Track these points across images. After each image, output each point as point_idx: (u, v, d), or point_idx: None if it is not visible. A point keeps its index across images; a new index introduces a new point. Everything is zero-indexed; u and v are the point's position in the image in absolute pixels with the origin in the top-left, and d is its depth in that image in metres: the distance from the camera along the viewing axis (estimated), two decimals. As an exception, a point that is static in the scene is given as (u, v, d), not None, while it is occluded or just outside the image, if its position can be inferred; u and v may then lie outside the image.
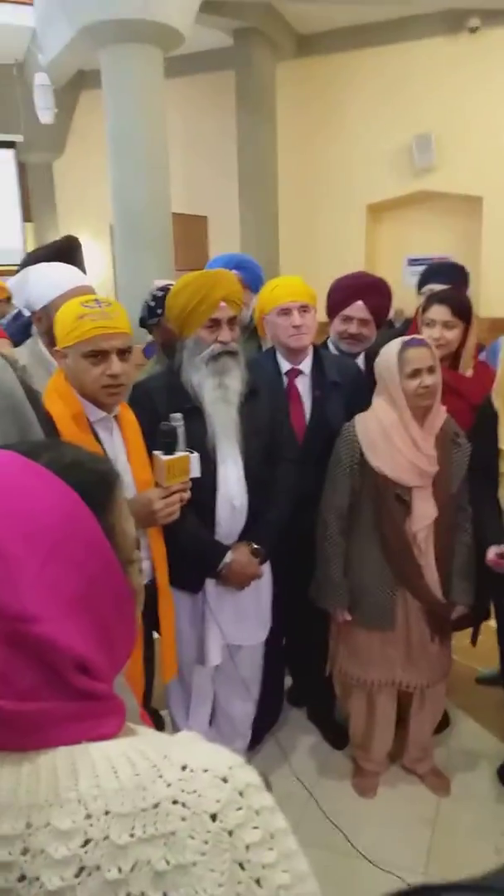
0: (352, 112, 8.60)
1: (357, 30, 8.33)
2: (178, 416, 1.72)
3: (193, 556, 2.04)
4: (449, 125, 8.09)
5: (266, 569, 2.22)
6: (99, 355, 1.65)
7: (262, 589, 2.23)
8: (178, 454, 1.66)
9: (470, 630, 2.52)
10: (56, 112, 7.50)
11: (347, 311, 2.52)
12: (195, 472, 1.72)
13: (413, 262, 8.68)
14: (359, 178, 8.69)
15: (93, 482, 0.66)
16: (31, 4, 7.29)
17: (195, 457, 1.71)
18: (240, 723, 2.39)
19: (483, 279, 7.89)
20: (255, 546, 2.09)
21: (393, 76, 8.27)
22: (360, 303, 2.50)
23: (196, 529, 2.02)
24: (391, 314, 8.49)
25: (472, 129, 8.03)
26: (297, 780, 2.43)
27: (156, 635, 2.01)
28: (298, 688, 2.90)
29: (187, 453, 1.69)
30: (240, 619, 2.18)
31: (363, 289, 2.55)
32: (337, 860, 2.12)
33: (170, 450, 1.65)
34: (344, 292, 2.53)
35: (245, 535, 2.10)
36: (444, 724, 2.69)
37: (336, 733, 2.66)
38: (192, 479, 1.78)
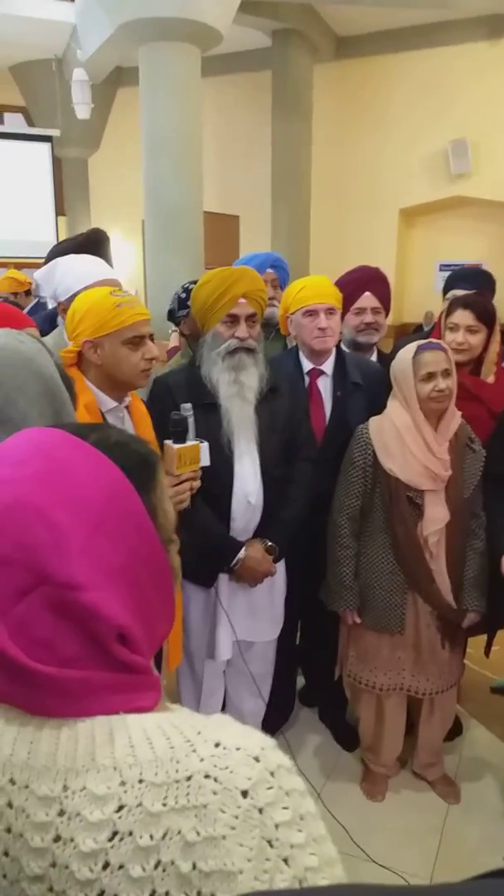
0: (388, 115, 8.57)
1: (396, 33, 8.31)
2: (188, 405, 1.74)
3: (207, 550, 2.04)
4: (486, 131, 8.03)
5: (280, 567, 2.23)
6: (139, 341, 1.73)
7: (275, 587, 2.23)
8: (189, 443, 1.68)
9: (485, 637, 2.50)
10: (93, 108, 7.58)
11: (359, 304, 2.57)
12: (205, 460, 1.74)
13: (444, 267, 8.62)
14: (392, 182, 8.66)
15: (137, 462, 0.69)
16: (71, 1, 7.38)
17: (205, 446, 1.73)
18: (250, 718, 2.39)
19: (515, 286, 7.80)
20: (270, 543, 2.10)
21: (431, 80, 8.22)
22: (368, 293, 2.57)
23: (211, 524, 2.04)
24: (423, 318, 8.35)
25: (509, 134, 7.96)
26: (304, 779, 2.42)
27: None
28: (310, 688, 2.90)
29: (197, 442, 1.71)
30: (252, 615, 2.19)
31: (368, 280, 2.62)
32: (342, 861, 2.11)
33: (180, 438, 1.67)
34: (351, 286, 2.56)
35: (260, 532, 2.11)
36: (456, 731, 2.67)
37: (346, 735, 2.66)
38: (208, 473, 1.79)
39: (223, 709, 2.38)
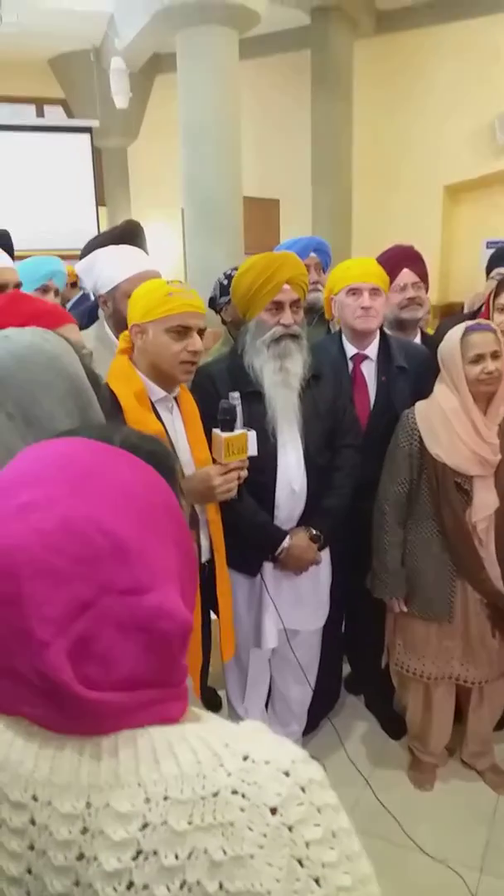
0: (432, 90, 8.34)
1: (439, 3, 8.07)
2: (236, 394, 1.74)
3: (252, 539, 2.04)
4: (533, 102, 7.75)
5: (325, 555, 2.21)
6: (183, 331, 1.72)
7: (320, 574, 2.22)
8: (237, 432, 1.68)
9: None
10: (131, 97, 7.56)
11: (398, 280, 2.57)
12: (252, 450, 1.74)
13: (492, 244, 8.38)
14: (437, 158, 8.44)
15: (159, 459, 0.70)
16: (108, -10, 7.37)
17: (252, 434, 1.74)
18: (296, 706, 2.40)
19: None
20: (314, 531, 2.08)
21: (475, 52, 7.96)
22: (406, 269, 2.58)
23: (255, 513, 2.03)
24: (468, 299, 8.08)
25: None
26: (352, 766, 2.42)
27: (213, 616, 2.03)
28: (356, 675, 2.88)
29: (245, 431, 1.71)
30: (297, 603, 2.18)
31: (404, 257, 2.65)
32: (389, 850, 2.10)
33: (228, 427, 1.67)
34: (388, 266, 2.52)
35: (304, 520, 2.10)
36: (505, 720, 2.62)
37: (393, 723, 2.64)
38: (252, 462, 1.79)
39: (268, 697, 2.39)
